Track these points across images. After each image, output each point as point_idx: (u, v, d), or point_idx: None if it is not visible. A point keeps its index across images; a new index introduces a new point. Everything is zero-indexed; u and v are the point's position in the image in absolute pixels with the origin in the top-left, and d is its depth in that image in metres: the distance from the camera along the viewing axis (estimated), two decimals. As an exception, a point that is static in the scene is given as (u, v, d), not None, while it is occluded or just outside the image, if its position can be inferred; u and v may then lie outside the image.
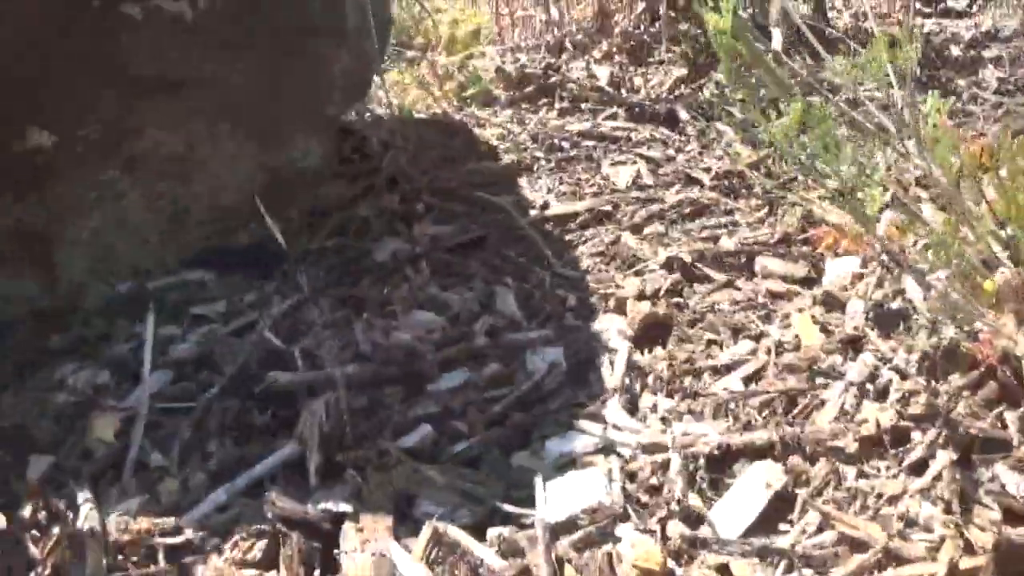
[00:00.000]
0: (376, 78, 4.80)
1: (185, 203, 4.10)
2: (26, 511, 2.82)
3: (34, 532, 2.77)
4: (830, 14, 6.01)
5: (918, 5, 6.14)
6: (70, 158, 3.77)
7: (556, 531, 2.53)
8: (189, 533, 2.70)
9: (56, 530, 2.73)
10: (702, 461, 2.69)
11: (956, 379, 2.79)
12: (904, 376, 2.86)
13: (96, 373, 3.43)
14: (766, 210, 3.96)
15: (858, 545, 2.39)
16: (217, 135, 4.12)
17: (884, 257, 3.21)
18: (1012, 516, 2.40)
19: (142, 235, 4.01)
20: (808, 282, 3.46)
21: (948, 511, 2.43)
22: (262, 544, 2.64)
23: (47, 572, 2.65)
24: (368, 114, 5.06)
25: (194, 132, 4.07)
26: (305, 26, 4.29)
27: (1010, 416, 2.66)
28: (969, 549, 2.31)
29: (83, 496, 2.84)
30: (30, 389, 3.38)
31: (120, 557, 2.66)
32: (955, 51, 5.47)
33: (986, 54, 5.46)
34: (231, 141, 4.18)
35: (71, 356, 3.55)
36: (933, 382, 2.82)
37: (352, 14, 4.39)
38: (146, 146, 3.94)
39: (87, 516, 2.75)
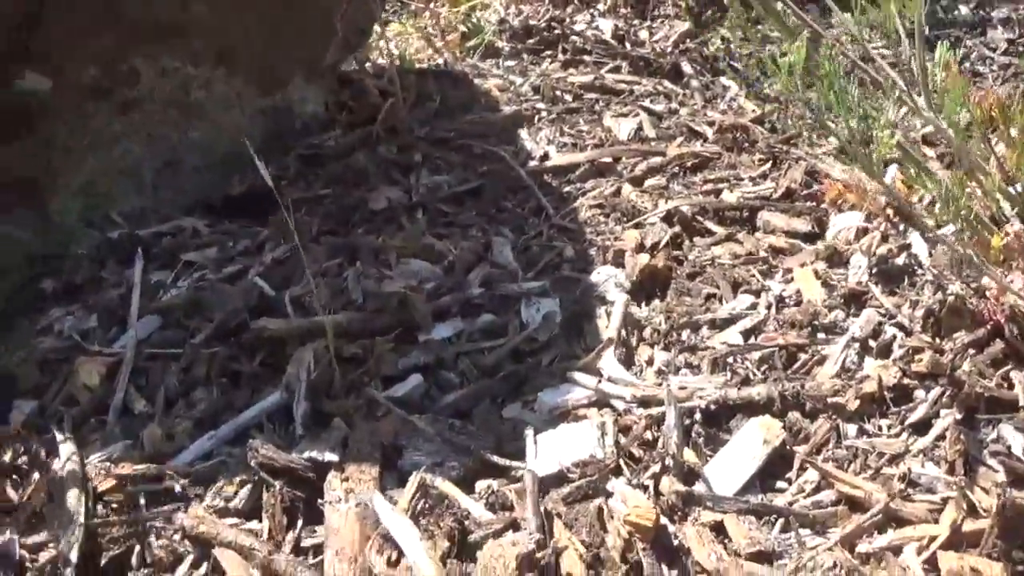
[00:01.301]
0: (377, 27, 4.73)
1: (181, 148, 4.06)
2: (7, 455, 2.78)
3: (14, 476, 2.73)
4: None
5: (929, -36, 6.06)
6: (65, 102, 3.73)
7: (546, 484, 2.48)
8: (171, 480, 2.65)
9: (36, 475, 2.69)
10: (698, 416, 2.64)
11: (961, 336, 2.72)
12: (908, 333, 2.80)
13: (84, 318, 3.39)
14: (769, 164, 3.88)
15: (857, 505, 2.34)
16: (214, 80, 4.07)
17: (890, 212, 3.14)
18: (1017, 478, 2.34)
19: (136, 181, 3.97)
20: (811, 237, 3.38)
21: (951, 472, 2.37)
22: (244, 492, 2.61)
23: (25, 516, 2.61)
24: (368, 63, 4.99)
25: (191, 77, 4.01)
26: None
27: (1017, 375, 2.59)
28: (972, 511, 2.25)
29: (64, 440, 2.80)
30: (18, 334, 3.33)
31: (100, 504, 2.62)
32: (964, 10, 5.39)
33: (995, 15, 5.38)
34: (228, 86, 4.13)
35: (61, 301, 3.51)
36: (938, 339, 2.75)
37: (353, -39, 4.32)
38: (142, 90, 3.90)
39: (68, 461, 2.71)
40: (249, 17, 4.09)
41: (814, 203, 3.53)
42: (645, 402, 2.70)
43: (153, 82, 3.90)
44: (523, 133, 4.41)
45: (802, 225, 3.43)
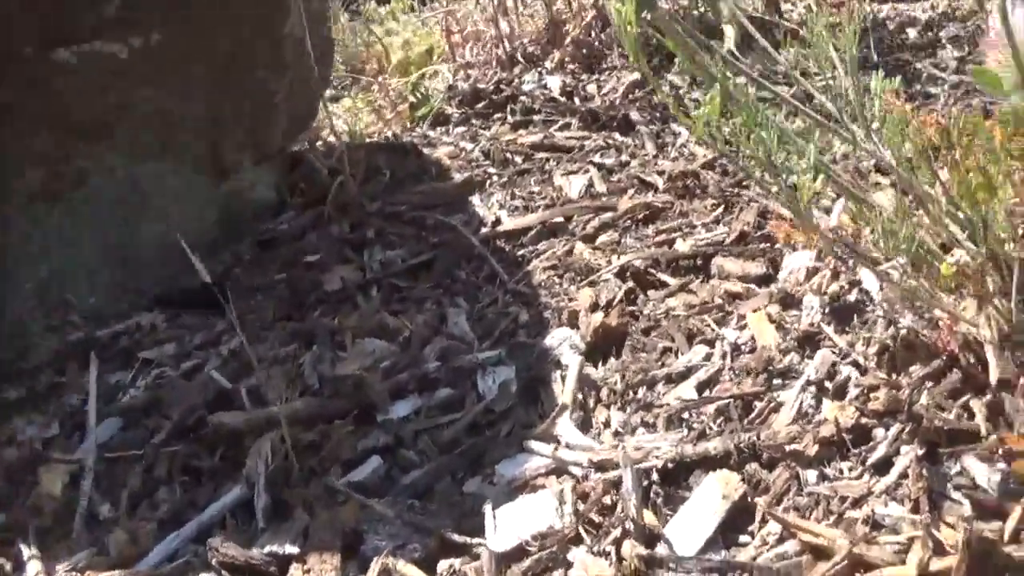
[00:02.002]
0: (324, 105, 4.74)
1: (134, 245, 4.05)
2: (-26, 574, 2.78)
3: (-17, 595, 2.73)
4: (785, 6, 5.92)
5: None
6: (12, 207, 3.72)
7: (506, 559, 2.45)
8: (137, 586, 2.65)
9: (4, 592, 2.69)
10: (655, 475, 2.60)
11: (917, 370, 2.67)
12: (863, 371, 2.76)
13: (46, 426, 3.39)
14: (722, 209, 3.86)
15: (822, 553, 2.28)
16: (161, 174, 4.06)
17: (837, 250, 3.13)
18: (982, 510, 2.29)
19: (91, 281, 3.96)
20: (766, 279, 3.35)
21: (916, 510, 2.31)
22: (209, 593, 2.59)
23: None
24: (320, 142, 4.99)
25: (138, 172, 4.01)
26: (244, 59, 4.22)
27: (976, 404, 2.53)
28: (939, 549, 2.20)
29: (29, 554, 2.80)
30: (-17, 447, 3.32)
31: (70, 616, 2.61)
32: (912, 34, 5.39)
33: (943, 34, 5.39)
34: (178, 179, 4.13)
35: (23, 409, 3.50)
36: (893, 375, 2.71)
37: (290, 45, 4.32)
38: (89, 191, 3.89)
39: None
40: (193, 107, 4.09)
41: (768, 244, 3.51)
42: (602, 466, 2.67)
43: (101, 181, 3.91)
44: (475, 199, 4.41)
45: (756, 268, 3.40)
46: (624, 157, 4.56)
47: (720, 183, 4.05)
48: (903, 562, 2.21)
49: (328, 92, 4.82)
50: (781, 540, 2.37)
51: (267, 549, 2.63)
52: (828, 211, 3.47)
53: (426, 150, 4.95)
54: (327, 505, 2.77)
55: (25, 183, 3.75)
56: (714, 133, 2.31)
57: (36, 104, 3.69)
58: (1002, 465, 2.34)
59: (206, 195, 4.25)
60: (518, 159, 4.72)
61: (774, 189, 2.41)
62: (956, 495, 2.36)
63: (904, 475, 2.42)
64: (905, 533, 2.28)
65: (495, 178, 4.57)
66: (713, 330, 3.15)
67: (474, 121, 5.28)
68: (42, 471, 3.15)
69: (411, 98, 5.49)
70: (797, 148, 2.37)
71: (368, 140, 5.10)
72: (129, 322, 3.91)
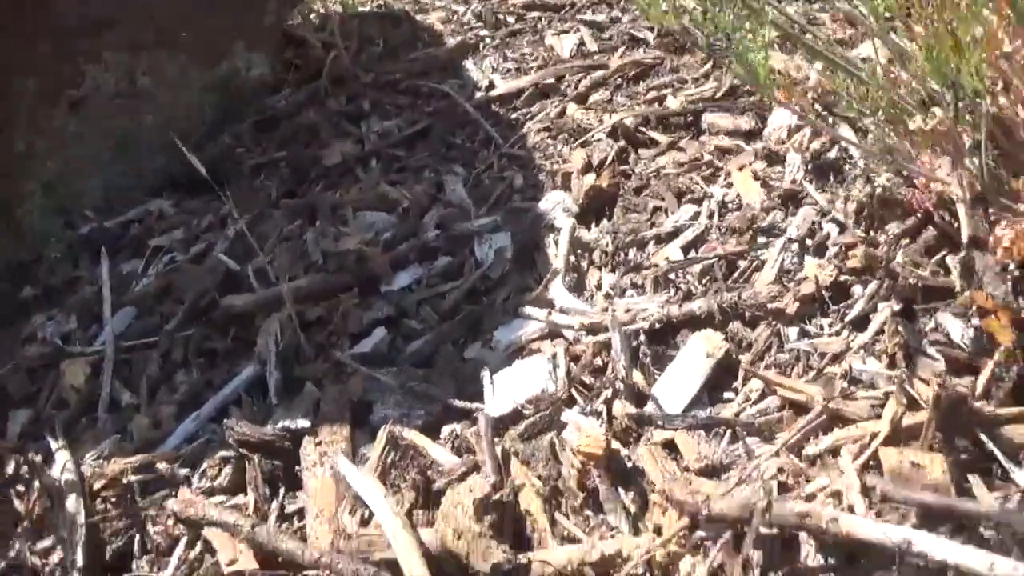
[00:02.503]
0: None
1: (136, 134, 4.14)
2: (8, 468, 2.89)
3: (18, 487, 2.84)
4: None
5: None
6: (15, 110, 3.79)
7: (503, 423, 2.57)
8: (161, 467, 2.77)
9: (36, 483, 2.79)
10: (643, 337, 2.69)
11: (893, 227, 2.72)
12: (842, 228, 2.82)
13: (64, 321, 3.49)
14: (711, 64, 3.90)
15: (802, 409, 2.38)
16: (157, 63, 4.12)
17: (819, 107, 3.17)
18: (956, 365, 2.36)
19: (98, 174, 4.06)
20: (753, 135, 3.40)
21: (892, 366, 2.39)
22: (228, 470, 2.71)
23: (32, 525, 2.71)
24: (313, 14, 5.02)
25: (134, 65, 4.07)
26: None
27: (951, 260, 2.58)
28: (913, 404, 2.26)
29: (57, 445, 2.93)
30: (4, 345, 3.44)
31: (99, 500, 2.73)
32: None
33: None
34: (173, 67, 4.20)
35: (42, 306, 3.62)
36: (871, 232, 2.76)
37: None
38: (88, 88, 3.96)
39: (64, 465, 2.83)
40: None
41: (757, 98, 3.54)
42: (593, 329, 2.77)
43: (98, 78, 3.98)
44: (468, 64, 4.46)
45: (745, 123, 3.45)
46: (615, 13, 4.58)
47: (710, 38, 4.07)
48: (878, 417, 2.28)
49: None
50: (763, 396, 2.47)
51: (280, 425, 2.76)
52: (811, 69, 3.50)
53: (418, 16, 4.98)
54: (336, 379, 2.89)
55: (27, 89, 3.81)
56: (667, 14, 2.34)
57: (33, 16, 3.75)
58: (976, 321, 2.39)
59: (203, 81, 4.31)
60: (510, 20, 4.75)
61: (737, 68, 2.45)
62: (931, 351, 2.40)
63: (881, 331, 2.49)
64: (881, 388, 2.36)
65: (487, 40, 4.61)
66: (702, 188, 3.22)
67: (465, -17, 5.29)
68: (64, 365, 3.26)
69: (402, -37, 5.49)
70: (755, 21, 2.40)
71: (360, 9, 5.11)
72: (138, 209, 4.02)
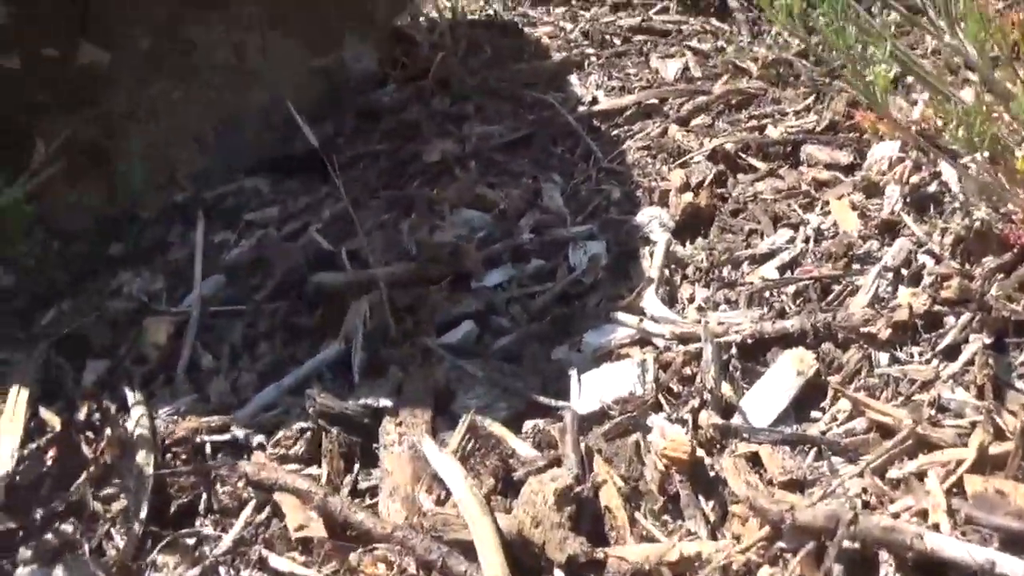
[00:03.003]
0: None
1: (240, 111, 4.17)
2: (81, 414, 2.92)
3: (88, 433, 2.88)
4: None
5: None
6: (124, 72, 3.85)
7: (588, 421, 2.58)
8: (236, 431, 2.80)
9: (108, 431, 2.82)
10: (735, 350, 2.71)
11: (989, 261, 2.74)
12: (938, 260, 2.84)
13: (151, 280, 3.52)
14: (813, 98, 3.92)
15: (888, 432, 2.39)
16: (268, 43, 4.16)
17: (922, 141, 3.18)
18: (1044, 400, 2.38)
19: (198, 145, 4.10)
20: (852, 168, 3.42)
21: (980, 396, 2.40)
22: (304, 440, 2.73)
23: (98, 471, 2.74)
24: (422, 18, 5.06)
25: (245, 41, 4.12)
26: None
27: None
28: (999, 434, 2.29)
29: (134, 398, 2.95)
30: (89, 296, 3.47)
31: (169, 455, 2.76)
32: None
33: (1044, -64, 5.34)
34: (284, 49, 4.23)
35: (129, 264, 3.65)
36: (967, 265, 2.78)
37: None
38: (198, 57, 4.01)
39: (138, 418, 2.85)
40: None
41: (856, 134, 3.57)
42: (684, 339, 2.78)
43: (208, 49, 4.02)
44: (573, 79, 4.48)
45: (844, 157, 3.48)
46: (720, 43, 4.62)
47: (812, 72, 4.09)
48: (964, 445, 2.30)
49: (433, -33, 4.89)
50: (850, 417, 2.49)
51: (362, 401, 2.78)
52: (916, 104, 3.52)
53: (526, 29, 5.02)
54: (421, 364, 2.90)
55: (136, 49, 3.86)
56: (797, 24, 2.36)
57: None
58: (1066, 357, 2.40)
59: (311, 66, 4.35)
60: (616, 41, 4.78)
61: (856, 82, 2.46)
62: (1020, 384, 2.44)
63: (971, 362, 2.51)
64: (968, 417, 2.38)
65: (593, 59, 4.64)
66: (798, 215, 3.24)
67: (574, 2, 5.33)
68: (147, 322, 3.29)
69: (513, -24, 5.54)
70: (876, 40, 2.40)
71: (470, 17, 5.15)
72: (233, 185, 4.05)
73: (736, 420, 2.53)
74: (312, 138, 3.05)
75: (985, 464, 2.23)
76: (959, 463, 2.24)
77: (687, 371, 2.68)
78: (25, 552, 2.56)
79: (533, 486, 2.29)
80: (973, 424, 2.35)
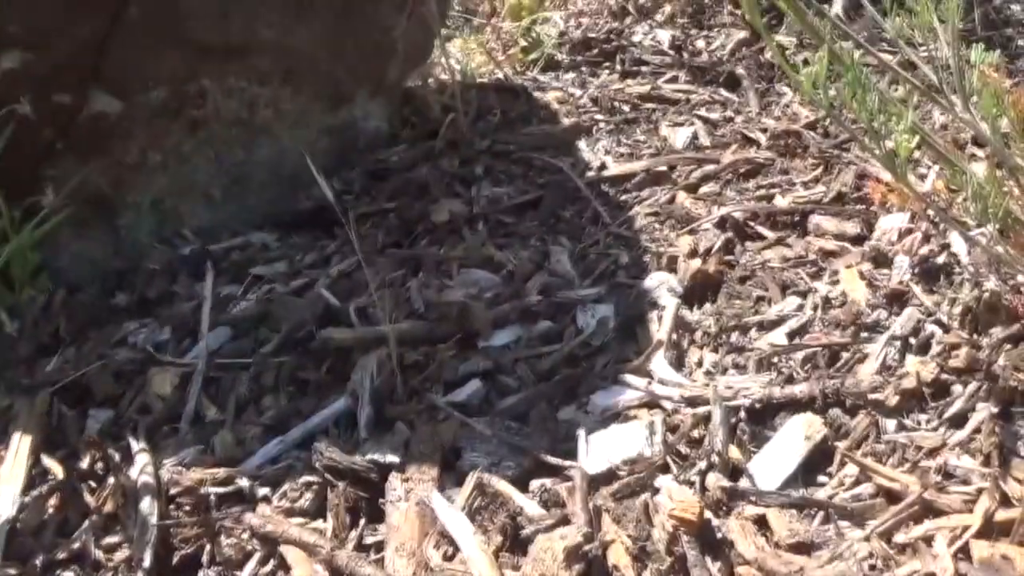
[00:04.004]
0: (438, 43, 4.83)
1: (248, 166, 4.18)
2: (84, 462, 2.92)
3: (90, 482, 2.88)
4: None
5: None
6: (135, 122, 3.85)
7: (596, 481, 2.58)
8: (241, 483, 2.79)
9: (111, 480, 2.82)
10: (743, 414, 2.72)
11: (998, 332, 2.77)
12: (946, 329, 2.87)
13: (157, 331, 3.52)
14: (821, 169, 3.94)
15: (895, 497, 2.41)
16: (280, 99, 4.18)
17: (930, 212, 3.21)
18: (1050, 468, 2.40)
19: (205, 198, 4.11)
20: (859, 239, 3.43)
21: (987, 464, 2.44)
22: (311, 493, 2.73)
23: (101, 519, 2.74)
24: (431, 79, 5.09)
25: (257, 96, 4.12)
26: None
27: None
28: (1005, 501, 2.32)
29: (138, 447, 2.95)
30: (93, 345, 3.47)
31: (173, 506, 2.75)
32: (1017, 9, 5.39)
33: (1050, 12, 5.38)
34: (295, 105, 4.23)
35: (134, 314, 3.64)
36: (975, 335, 2.81)
37: (411, -21, 4.43)
38: (209, 111, 4.01)
39: (142, 467, 2.85)
40: (314, 37, 4.19)
41: (864, 206, 3.60)
42: (693, 402, 2.80)
43: (220, 102, 4.02)
44: (581, 144, 4.50)
45: (851, 228, 3.50)
46: (728, 113, 4.64)
47: (821, 144, 4.12)
48: (970, 511, 2.34)
49: (442, 31, 4.89)
50: (857, 482, 2.50)
51: (369, 457, 2.78)
52: (923, 178, 3.55)
53: (536, 93, 5.03)
54: (428, 421, 2.91)
55: (149, 99, 3.86)
56: (819, 93, 2.39)
57: (163, 22, 3.79)
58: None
59: (321, 123, 4.35)
60: (625, 108, 4.79)
61: (875, 149, 2.48)
62: None
63: (978, 430, 2.54)
64: (975, 484, 2.41)
65: (602, 125, 4.65)
66: (806, 283, 3.26)
67: (583, 68, 5.35)
68: (152, 372, 3.29)
69: (522, 42, 5.57)
70: (897, 112, 2.43)
71: (479, 80, 5.18)
72: (240, 239, 4.06)
73: (744, 483, 2.54)
74: (329, 193, 3.08)
75: (991, 530, 2.27)
76: (965, 529, 2.28)
77: (695, 434, 2.69)
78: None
79: (542, 544, 2.30)
80: (979, 491, 2.38)
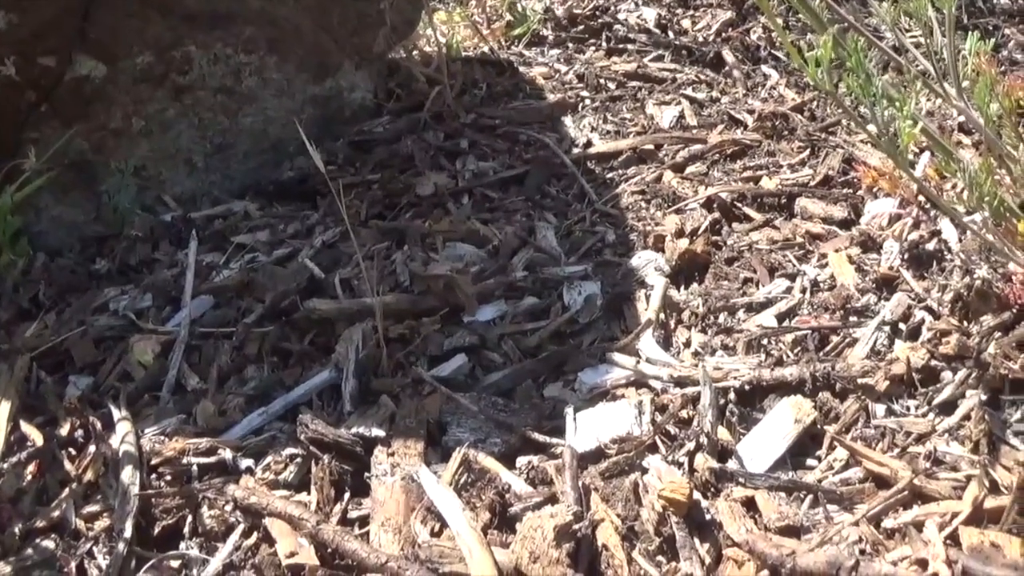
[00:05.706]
0: (424, 16, 4.80)
1: (232, 134, 4.16)
2: (63, 429, 2.89)
3: (70, 450, 2.85)
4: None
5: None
6: (119, 87, 3.84)
7: (584, 460, 2.57)
8: (223, 453, 2.76)
9: (92, 448, 2.80)
10: (732, 395, 2.72)
11: (988, 320, 2.78)
12: (936, 316, 2.87)
13: (138, 298, 3.49)
14: (808, 152, 3.93)
15: (884, 482, 2.42)
16: (265, 67, 4.15)
17: (922, 199, 3.21)
18: (1038, 456, 2.41)
19: (188, 165, 4.08)
20: (847, 223, 3.44)
21: (975, 451, 2.44)
22: (294, 466, 2.71)
23: (82, 488, 2.72)
24: (416, 52, 5.06)
25: (242, 64, 4.10)
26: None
27: None
28: (994, 489, 2.33)
29: (119, 415, 2.92)
30: (73, 311, 3.44)
31: (154, 476, 2.73)
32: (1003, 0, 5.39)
33: (1035, 3, 5.38)
34: (280, 74, 4.21)
35: (115, 281, 3.63)
36: (965, 322, 2.81)
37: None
38: (194, 77, 3.99)
39: (123, 436, 2.82)
40: (301, 6, 4.18)
41: (851, 190, 3.60)
42: (681, 382, 2.79)
43: (205, 69, 4.00)
44: (567, 120, 4.48)
45: (838, 212, 3.49)
46: (715, 93, 4.63)
47: (808, 127, 4.12)
48: (959, 497, 2.34)
49: (429, 3, 4.87)
50: (846, 467, 2.51)
51: (354, 430, 2.76)
52: (913, 165, 3.54)
53: (521, 68, 5.01)
54: (413, 395, 2.89)
55: (133, 64, 3.85)
56: (823, 77, 2.38)
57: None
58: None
59: (306, 92, 4.33)
60: (611, 85, 4.78)
61: (872, 130, 2.48)
62: (1014, 440, 2.48)
63: (967, 417, 2.55)
64: (963, 471, 2.41)
65: (588, 101, 4.63)
66: (794, 265, 3.25)
67: (569, 45, 5.32)
68: (133, 340, 3.26)
69: (508, 16, 5.54)
70: (900, 98, 2.42)
71: (465, 54, 5.15)
72: (222, 207, 4.05)
73: (732, 465, 2.53)
74: (319, 162, 3.04)
75: (980, 517, 2.27)
76: (954, 515, 2.28)
77: (684, 414, 2.68)
78: (4, 567, 2.52)
79: (532, 522, 2.28)
80: (968, 478, 2.38)
